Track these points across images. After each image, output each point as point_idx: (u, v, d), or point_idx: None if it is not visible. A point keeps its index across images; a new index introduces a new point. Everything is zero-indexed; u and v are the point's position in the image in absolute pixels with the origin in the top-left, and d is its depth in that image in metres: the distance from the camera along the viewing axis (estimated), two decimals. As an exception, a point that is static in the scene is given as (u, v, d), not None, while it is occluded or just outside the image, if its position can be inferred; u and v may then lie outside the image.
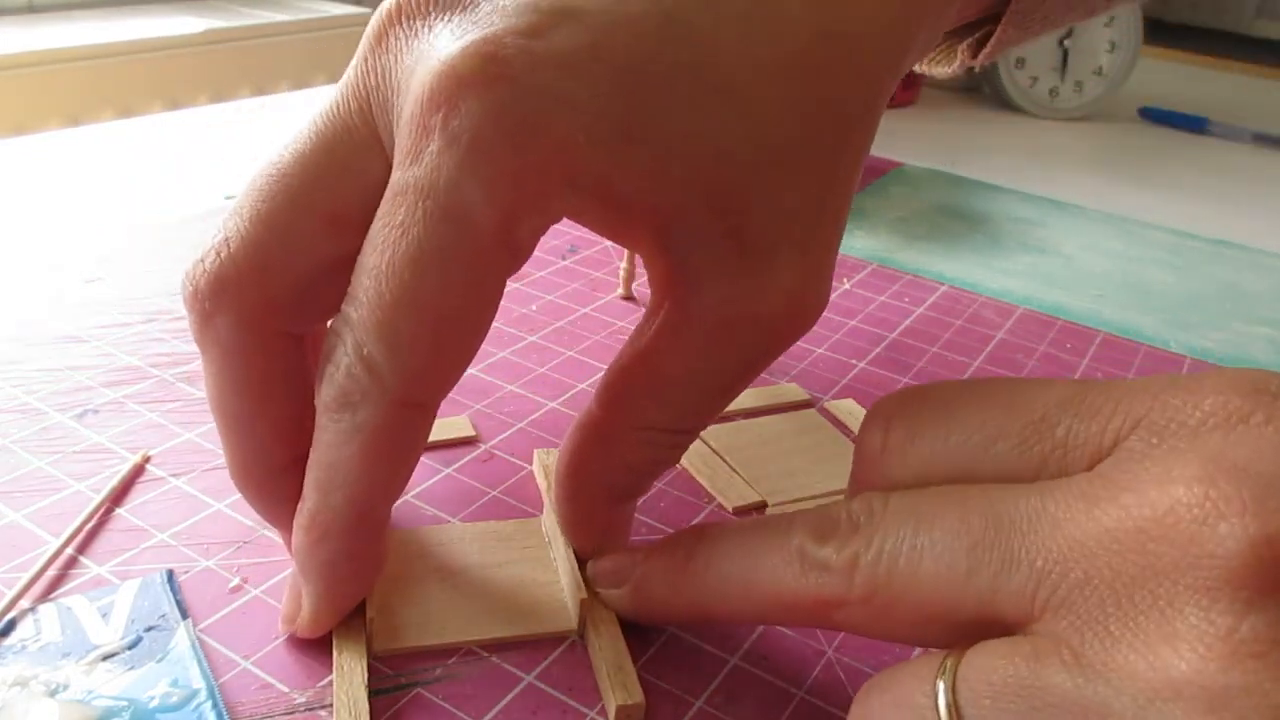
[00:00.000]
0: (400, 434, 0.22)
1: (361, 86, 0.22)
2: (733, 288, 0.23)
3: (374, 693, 0.23)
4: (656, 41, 0.21)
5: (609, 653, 0.24)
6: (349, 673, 0.23)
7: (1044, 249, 0.57)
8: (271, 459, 0.24)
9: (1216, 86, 1.11)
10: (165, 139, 0.60)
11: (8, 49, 1.44)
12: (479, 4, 0.21)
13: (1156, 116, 0.92)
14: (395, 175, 0.21)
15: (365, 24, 0.22)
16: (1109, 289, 0.53)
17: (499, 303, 0.22)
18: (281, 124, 0.65)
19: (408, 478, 0.23)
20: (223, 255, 0.22)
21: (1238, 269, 0.58)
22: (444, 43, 0.20)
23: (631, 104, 0.20)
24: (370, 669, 0.24)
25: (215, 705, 0.22)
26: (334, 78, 1.82)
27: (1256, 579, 0.16)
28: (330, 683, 0.24)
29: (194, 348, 0.36)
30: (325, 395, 0.22)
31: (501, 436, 0.34)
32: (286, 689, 0.23)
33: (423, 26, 0.21)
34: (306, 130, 0.23)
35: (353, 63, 0.22)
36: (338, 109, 0.22)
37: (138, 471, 0.30)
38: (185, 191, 0.52)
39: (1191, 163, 0.81)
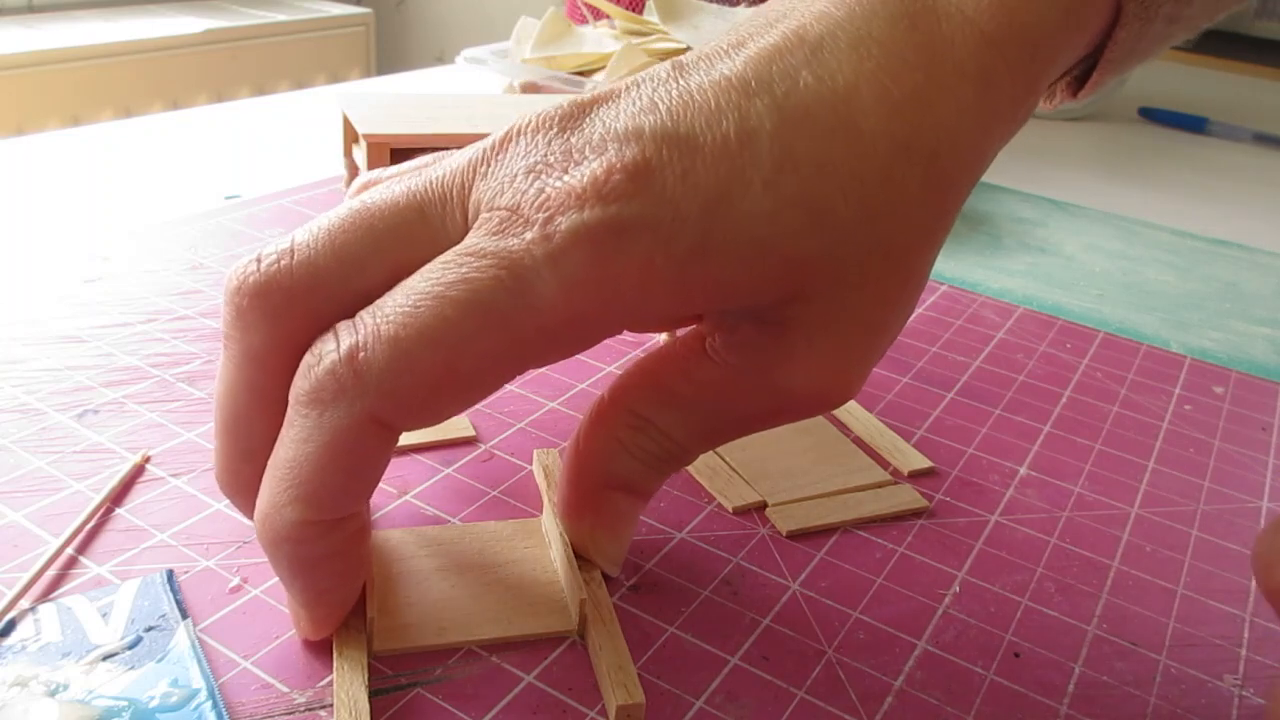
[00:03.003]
0: (363, 446, 0.22)
1: (471, 171, 0.23)
2: (769, 359, 0.24)
3: (374, 693, 0.23)
4: (741, 161, 0.22)
5: (609, 653, 0.24)
6: (349, 673, 0.23)
7: (1044, 249, 0.57)
8: (260, 464, 0.24)
9: (1216, 86, 1.11)
10: (165, 139, 0.60)
11: (8, 49, 1.44)
12: (594, 125, 0.23)
13: (1156, 116, 0.92)
14: (474, 240, 0.22)
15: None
16: (1109, 289, 0.53)
17: (505, 384, 0.23)
18: (281, 124, 0.65)
19: (364, 492, 0.23)
20: (281, 263, 0.23)
21: (1238, 269, 0.58)
22: (559, 158, 0.22)
23: (713, 222, 0.22)
24: (370, 669, 0.24)
25: (215, 705, 0.22)
26: (334, 78, 1.83)
27: None
28: (330, 683, 0.24)
29: (194, 348, 0.37)
30: (299, 388, 0.22)
31: (501, 436, 0.34)
32: (286, 689, 0.23)
33: (542, 140, 0.23)
34: (405, 185, 0.24)
35: (469, 152, 0.24)
36: (442, 180, 0.24)
37: (138, 471, 0.30)
38: (185, 191, 0.52)
39: (1191, 163, 0.81)
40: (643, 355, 0.26)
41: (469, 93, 0.63)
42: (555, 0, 0.83)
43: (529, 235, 0.22)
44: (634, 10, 0.68)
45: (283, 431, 0.22)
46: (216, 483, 0.25)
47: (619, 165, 0.22)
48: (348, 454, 0.22)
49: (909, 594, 0.29)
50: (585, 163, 0.22)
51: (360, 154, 0.53)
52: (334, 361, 0.21)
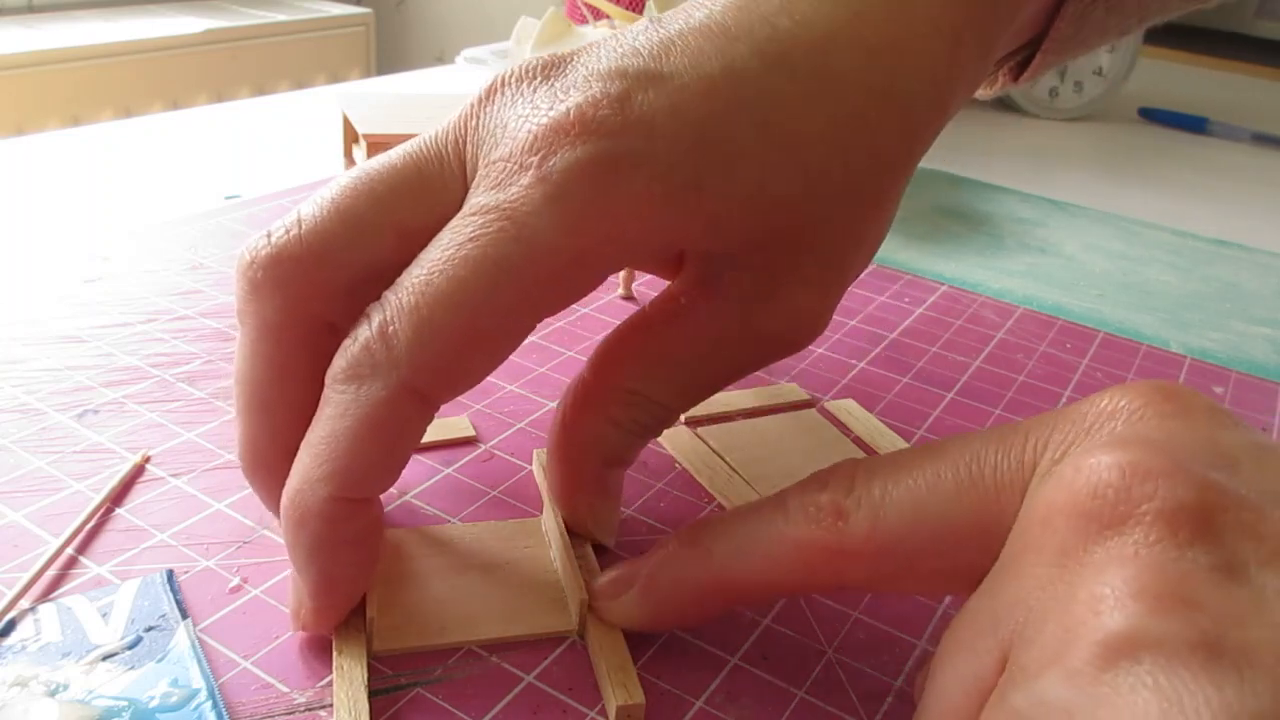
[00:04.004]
0: (399, 418, 0.22)
1: (463, 127, 0.24)
2: (750, 306, 0.25)
3: (374, 693, 0.23)
4: (727, 101, 0.23)
5: (609, 653, 0.24)
6: (349, 673, 0.23)
7: (1044, 249, 0.57)
8: (284, 443, 0.24)
9: (1216, 86, 1.11)
10: (165, 139, 0.60)
11: (8, 49, 1.44)
12: (576, 69, 0.24)
13: (1156, 116, 0.92)
14: (475, 198, 0.23)
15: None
16: (1109, 289, 0.53)
17: (526, 336, 0.23)
18: (281, 124, 0.65)
19: (395, 470, 0.23)
20: (290, 234, 0.23)
21: (1238, 269, 0.58)
22: (545, 101, 0.23)
23: (703, 159, 0.23)
24: (370, 669, 0.24)
25: (215, 705, 0.22)
26: (334, 78, 1.82)
27: (1185, 530, 0.16)
28: (330, 683, 0.24)
29: (194, 348, 0.37)
30: (336, 367, 0.22)
31: (501, 436, 0.34)
32: (286, 689, 0.23)
33: (527, 88, 0.24)
34: (401, 149, 0.24)
35: (458, 111, 0.24)
36: (436, 139, 0.24)
37: (138, 471, 0.30)
38: (185, 191, 0.52)
39: (1191, 163, 0.81)
40: (616, 328, 0.27)
41: (469, 93, 0.63)
42: (555, 0, 0.83)
43: (525, 180, 0.22)
44: (634, 10, 0.68)
45: (319, 411, 0.23)
46: (239, 461, 0.25)
47: (605, 100, 0.22)
48: (384, 427, 0.22)
49: (909, 594, 0.29)
50: (570, 97, 0.23)
51: (360, 154, 0.53)
52: (368, 338, 0.22)
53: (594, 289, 0.24)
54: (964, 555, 0.21)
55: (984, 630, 0.19)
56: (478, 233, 0.22)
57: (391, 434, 0.22)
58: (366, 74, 1.93)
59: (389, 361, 0.22)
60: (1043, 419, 0.21)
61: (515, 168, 0.22)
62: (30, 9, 1.68)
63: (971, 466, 0.21)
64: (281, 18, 1.81)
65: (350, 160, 0.56)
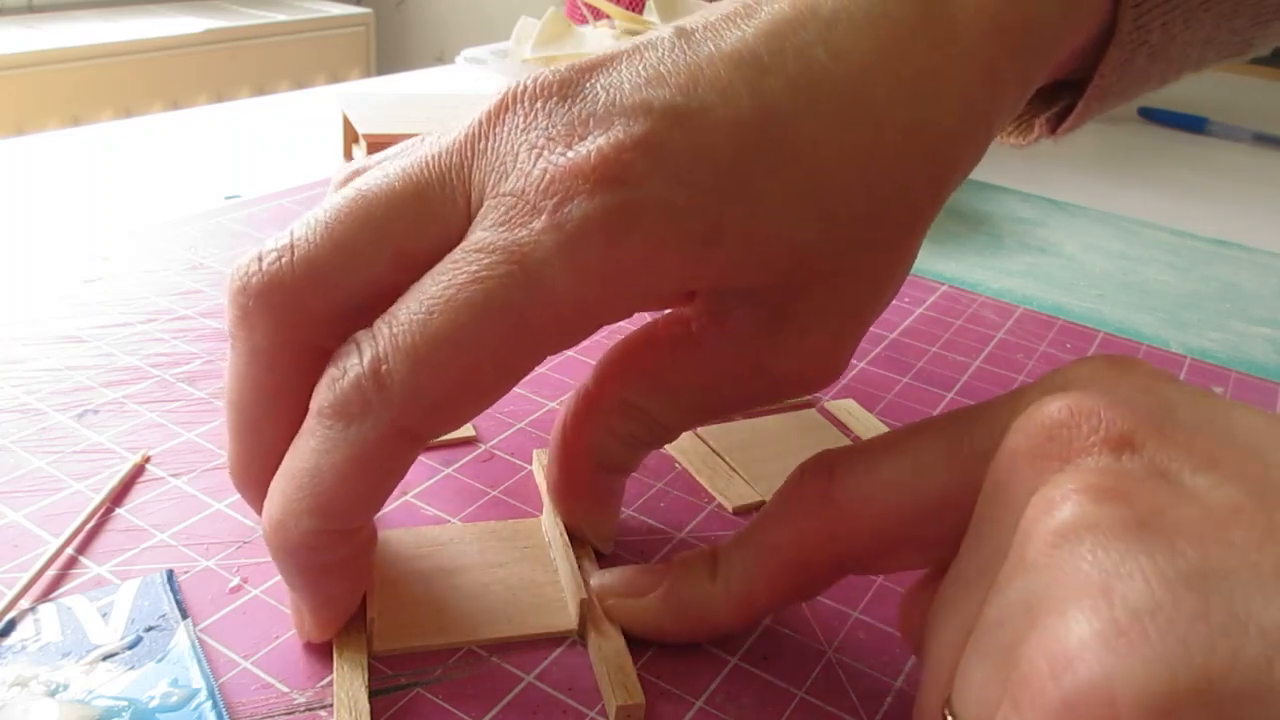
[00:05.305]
0: (388, 458, 0.22)
1: (469, 148, 0.23)
2: (759, 343, 0.25)
3: (374, 693, 0.23)
4: (755, 142, 0.22)
5: (609, 653, 0.24)
6: (349, 673, 0.23)
7: (1044, 249, 0.57)
8: (272, 461, 0.24)
9: (1216, 86, 1.11)
10: (165, 139, 0.60)
11: (8, 49, 1.44)
12: (596, 93, 0.22)
13: (1156, 116, 0.92)
14: (481, 234, 0.21)
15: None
16: (1109, 289, 0.53)
17: (524, 377, 0.23)
18: (281, 124, 0.65)
19: (381, 501, 0.23)
20: (283, 260, 0.22)
21: (1237, 269, 0.58)
22: (563, 133, 0.22)
23: (726, 205, 0.22)
24: (370, 669, 0.24)
25: (215, 705, 0.22)
26: (334, 78, 1.82)
27: (1126, 449, 0.18)
28: (330, 683, 0.24)
29: (194, 348, 0.37)
30: (322, 399, 0.21)
31: (501, 436, 0.34)
32: (286, 689, 0.23)
33: (541, 110, 0.22)
34: (400, 168, 0.23)
35: (464, 126, 0.23)
36: (438, 159, 0.23)
37: (138, 471, 0.30)
38: (185, 191, 0.52)
39: (1191, 163, 0.81)
40: (624, 340, 0.27)
41: (469, 93, 0.63)
42: (555, 0, 0.83)
43: (537, 225, 0.21)
44: (634, 10, 0.68)
45: (301, 441, 0.22)
46: (230, 476, 0.25)
47: (629, 143, 0.21)
48: (372, 465, 0.21)
49: (909, 594, 0.29)
50: (591, 138, 0.21)
51: (360, 154, 0.53)
52: (359, 375, 0.21)
53: (597, 330, 0.23)
54: (955, 519, 0.21)
55: (971, 582, 0.19)
56: (483, 273, 0.21)
57: (379, 472, 0.22)
58: (366, 74, 1.93)
59: (381, 402, 0.21)
60: (1013, 392, 0.21)
61: (528, 208, 0.21)
62: (30, 9, 1.68)
63: (950, 436, 0.21)
64: (281, 18, 1.81)
65: (350, 160, 0.56)
